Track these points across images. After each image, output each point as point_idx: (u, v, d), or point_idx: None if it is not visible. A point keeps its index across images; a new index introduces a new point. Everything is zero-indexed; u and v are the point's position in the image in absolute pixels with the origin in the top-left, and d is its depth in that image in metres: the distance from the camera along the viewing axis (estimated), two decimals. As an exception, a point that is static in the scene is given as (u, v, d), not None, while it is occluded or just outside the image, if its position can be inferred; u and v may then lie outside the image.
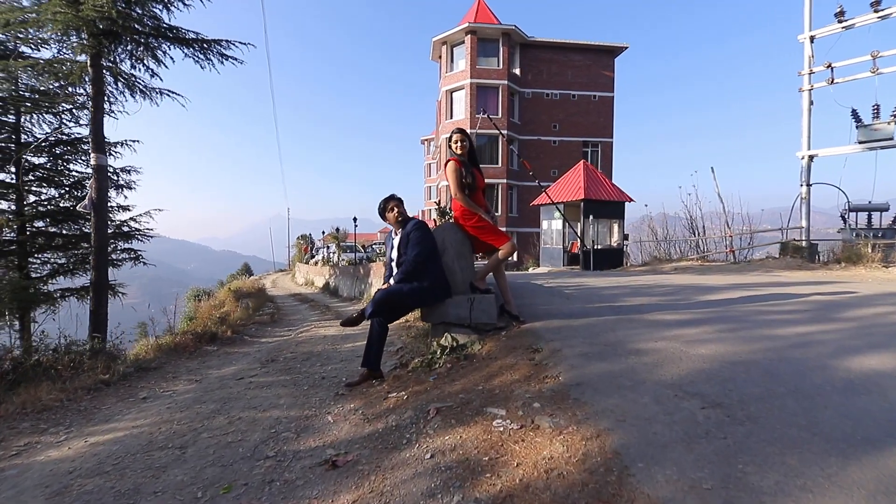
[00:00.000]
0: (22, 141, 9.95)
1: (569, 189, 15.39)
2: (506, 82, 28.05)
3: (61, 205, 10.68)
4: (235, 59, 8.16)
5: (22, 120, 9.87)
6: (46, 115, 10.12)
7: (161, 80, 8.57)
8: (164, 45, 7.45)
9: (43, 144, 10.22)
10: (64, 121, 10.81)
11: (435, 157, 32.66)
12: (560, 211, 14.85)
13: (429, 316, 3.66)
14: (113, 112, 10.60)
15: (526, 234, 28.62)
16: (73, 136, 10.91)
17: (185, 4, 7.73)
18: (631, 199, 15.39)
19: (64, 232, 10.76)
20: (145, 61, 7.58)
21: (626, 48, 30.62)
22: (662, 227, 16.77)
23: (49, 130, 10.57)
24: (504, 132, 26.59)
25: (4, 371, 3.59)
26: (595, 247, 14.26)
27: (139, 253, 11.77)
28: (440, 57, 30.62)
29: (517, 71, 29.27)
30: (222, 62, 8.00)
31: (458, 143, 3.70)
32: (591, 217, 14.25)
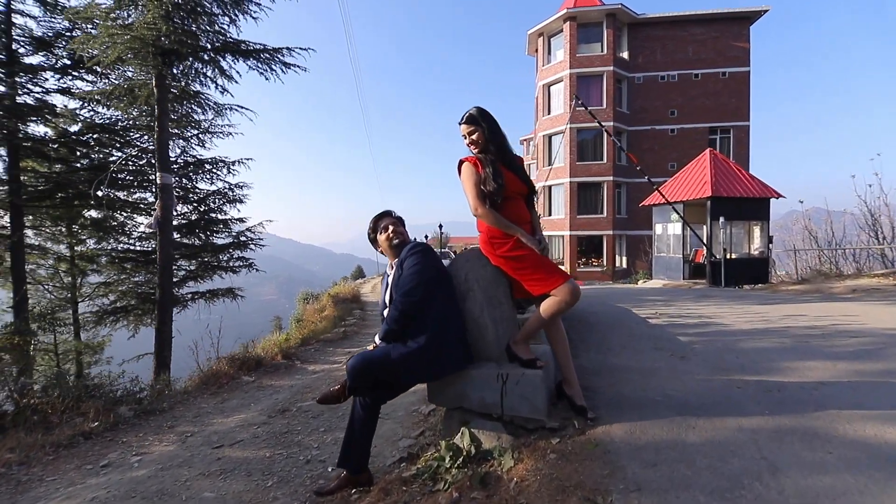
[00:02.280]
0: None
1: (691, 185, 12.59)
2: (611, 68, 25.06)
3: (192, 218, 12.12)
4: (298, 67, 7.81)
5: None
6: (179, 141, 11.62)
7: (232, 95, 8.69)
8: (228, 60, 7.34)
9: (174, 167, 11.70)
10: (192, 144, 12.22)
11: (535, 158, 30.78)
12: (678, 212, 12.20)
13: (437, 395, 2.39)
14: (232, 134, 11.75)
15: (636, 238, 25.21)
16: (197, 158, 12.23)
17: (252, 17, 7.60)
18: (778, 195, 12.03)
19: (192, 242, 11.99)
20: (214, 78, 7.58)
21: (766, 12, 25.28)
22: (824, 229, 12.92)
23: (178, 152, 12.07)
24: (607, 124, 23.74)
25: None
26: (728, 256, 11.35)
27: (251, 261, 12.93)
28: (536, 50, 28.70)
29: (625, 55, 26.01)
30: (284, 71, 7.70)
31: (468, 137, 2.41)
32: (721, 219, 11.38)
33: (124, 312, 10.60)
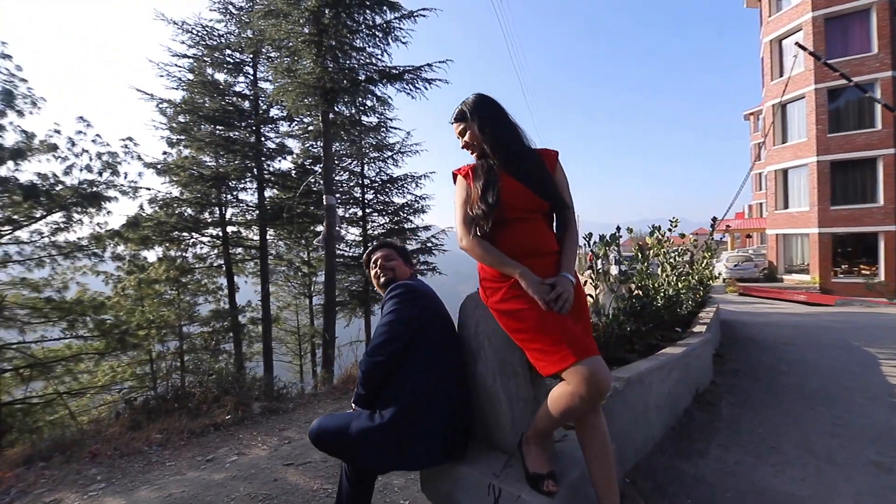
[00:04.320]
0: (364, 183, 13.83)
1: None
2: (888, -3, 17.64)
3: (389, 228, 14.48)
4: (439, 81, 7.97)
5: (365, 169, 13.75)
6: (377, 162, 13.96)
7: (388, 117, 9.52)
8: (379, 88, 8.01)
9: (374, 185, 14.36)
10: (389, 165, 14.69)
11: (766, 134, 24.33)
12: None
13: (426, 486, 1.83)
14: (418, 152, 13.35)
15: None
16: (391, 176, 14.60)
17: (402, 42, 8.14)
18: None
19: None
20: (373, 106, 8.41)
21: None
22: None
23: (376, 172, 14.78)
24: (880, 76, 16.72)
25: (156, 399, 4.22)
26: None
27: (433, 265, 14.83)
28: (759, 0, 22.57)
29: (917, -30, 17.92)
30: (427, 87, 7.95)
31: (461, 140, 1.79)
32: None
33: (340, 305, 12.92)
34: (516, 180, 1.69)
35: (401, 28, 7.74)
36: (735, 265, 22.07)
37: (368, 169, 13.97)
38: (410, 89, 7.96)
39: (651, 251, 4.60)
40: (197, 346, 11.48)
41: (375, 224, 14.64)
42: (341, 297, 13.07)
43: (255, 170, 11.62)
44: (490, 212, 1.64)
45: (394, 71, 7.63)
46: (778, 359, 3.74)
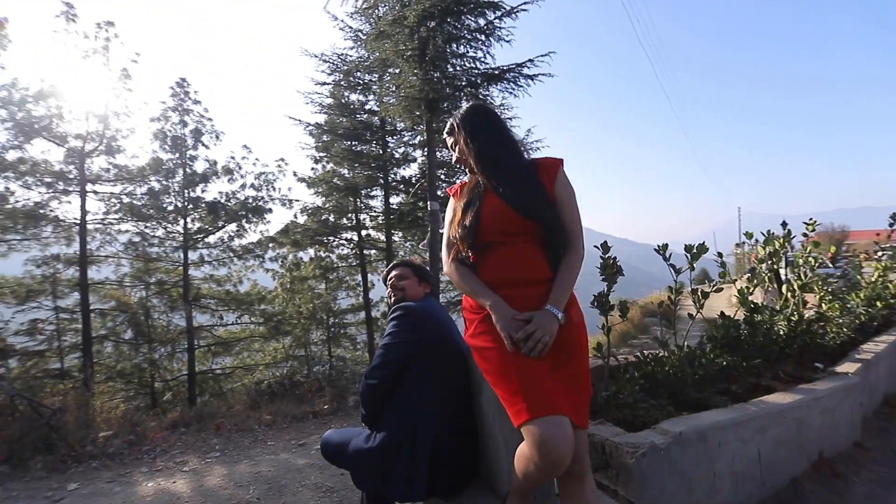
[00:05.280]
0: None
1: None
2: None
3: None
4: (544, 76, 7.56)
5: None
6: None
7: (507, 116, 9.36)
8: (481, 91, 7.96)
9: None
10: None
11: None
12: None
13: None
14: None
15: None
16: None
17: (504, 41, 7.97)
18: None
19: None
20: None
21: None
22: None
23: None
24: None
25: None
26: None
27: None
28: None
29: None
30: (530, 83, 7.62)
31: (452, 150, 1.67)
32: None
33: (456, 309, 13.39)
34: (501, 199, 1.50)
35: (501, 27, 7.57)
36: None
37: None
38: (513, 88, 7.74)
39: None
40: (331, 336, 13.04)
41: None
42: (458, 297, 13.46)
43: (381, 179, 12.72)
44: (466, 235, 1.49)
45: (494, 72, 7.51)
46: None
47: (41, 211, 8.50)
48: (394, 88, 7.70)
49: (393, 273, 2.05)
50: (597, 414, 2.12)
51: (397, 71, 7.81)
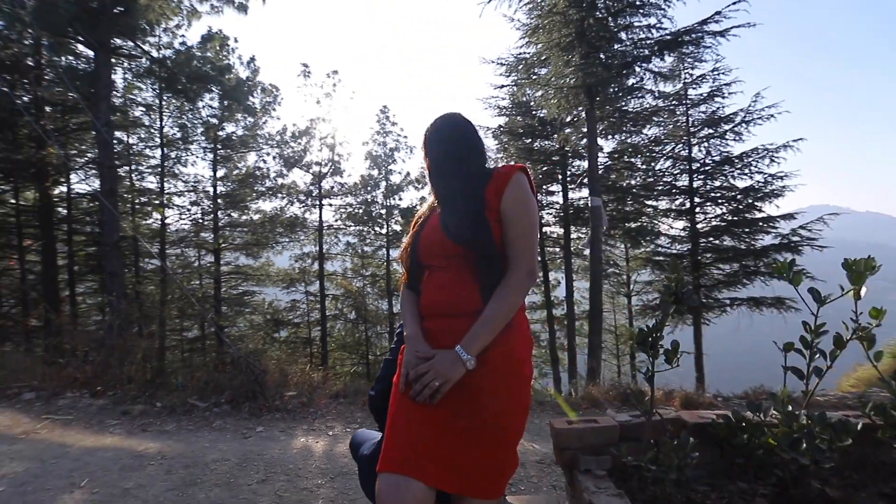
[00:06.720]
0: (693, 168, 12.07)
1: None
2: None
3: (728, 219, 11.79)
4: (741, 27, 5.91)
5: (693, 151, 11.77)
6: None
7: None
8: (654, 63, 6.78)
9: (705, 168, 11.71)
10: (728, 141, 11.89)
11: None
12: None
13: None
14: (773, 116, 10.26)
15: None
16: (728, 155, 11.74)
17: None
18: None
19: (728, 244, 11.59)
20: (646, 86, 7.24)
21: None
22: None
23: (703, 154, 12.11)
24: None
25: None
26: None
27: (801, 268, 11.16)
28: None
29: None
30: (719, 42, 6.07)
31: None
32: None
33: (651, 310, 11.90)
34: (438, 218, 1.40)
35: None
36: None
37: (698, 150, 11.57)
38: (695, 52, 6.34)
39: None
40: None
41: (710, 215, 11.97)
42: (657, 298, 11.70)
43: (559, 174, 12.32)
44: (405, 258, 1.46)
45: (667, 38, 6.27)
46: None
47: (299, 220, 11.71)
48: (553, 80, 7.35)
49: None
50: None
51: (556, 61, 7.43)
